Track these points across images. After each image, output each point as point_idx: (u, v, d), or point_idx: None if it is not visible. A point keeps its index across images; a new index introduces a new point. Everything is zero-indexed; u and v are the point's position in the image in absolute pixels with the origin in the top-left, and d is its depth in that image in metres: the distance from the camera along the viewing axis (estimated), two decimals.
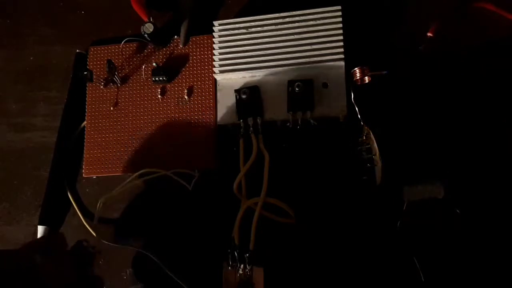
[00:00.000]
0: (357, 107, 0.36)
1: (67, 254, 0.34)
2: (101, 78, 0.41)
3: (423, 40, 0.38)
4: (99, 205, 0.39)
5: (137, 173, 0.39)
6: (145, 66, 0.41)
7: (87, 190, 0.41)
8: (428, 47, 0.38)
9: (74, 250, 0.36)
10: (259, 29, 0.38)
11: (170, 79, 0.40)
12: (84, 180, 0.41)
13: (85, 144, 0.41)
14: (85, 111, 0.41)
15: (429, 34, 0.38)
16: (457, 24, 0.38)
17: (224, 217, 0.37)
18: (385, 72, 0.36)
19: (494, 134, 0.36)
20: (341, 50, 0.37)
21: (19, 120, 0.44)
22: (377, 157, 0.35)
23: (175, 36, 0.41)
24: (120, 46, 0.42)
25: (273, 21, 0.38)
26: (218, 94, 0.39)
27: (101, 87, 0.41)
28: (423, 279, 0.34)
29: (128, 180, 0.39)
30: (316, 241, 0.36)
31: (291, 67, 0.37)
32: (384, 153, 0.35)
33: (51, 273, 0.30)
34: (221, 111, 0.38)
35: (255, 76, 0.38)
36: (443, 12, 0.38)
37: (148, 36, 0.40)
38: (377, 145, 0.35)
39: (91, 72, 0.41)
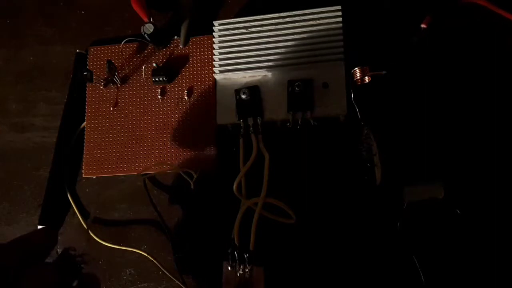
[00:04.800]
0: (357, 107, 0.36)
1: (52, 265, 0.32)
2: (101, 78, 0.41)
3: (416, 31, 0.38)
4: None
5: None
6: (145, 66, 0.41)
7: (87, 190, 0.41)
8: (421, 39, 0.38)
9: (60, 260, 0.34)
10: (259, 29, 0.38)
11: (170, 80, 0.40)
12: (84, 180, 0.41)
13: (85, 144, 0.41)
14: (85, 112, 0.41)
15: (422, 25, 0.37)
16: (448, 18, 0.38)
17: (224, 217, 0.37)
18: (384, 72, 0.36)
19: (494, 134, 0.36)
20: (341, 50, 0.37)
21: (19, 120, 0.44)
22: (377, 157, 0.35)
23: (175, 37, 0.41)
24: (120, 46, 0.42)
25: (273, 21, 0.38)
26: (218, 94, 0.39)
27: (101, 87, 0.41)
28: (423, 280, 0.34)
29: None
30: (316, 241, 0.36)
31: (291, 67, 0.37)
32: (384, 153, 0.35)
33: (31, 285, 0.28)
34: (221, 111, 0.38)
35: (255, 76, 0.38)
36: (436, 5, 0.38)
37: (148, 37, 0.40)
38: (377, 145, 0.35)
39: (91, 72, 0.41)
